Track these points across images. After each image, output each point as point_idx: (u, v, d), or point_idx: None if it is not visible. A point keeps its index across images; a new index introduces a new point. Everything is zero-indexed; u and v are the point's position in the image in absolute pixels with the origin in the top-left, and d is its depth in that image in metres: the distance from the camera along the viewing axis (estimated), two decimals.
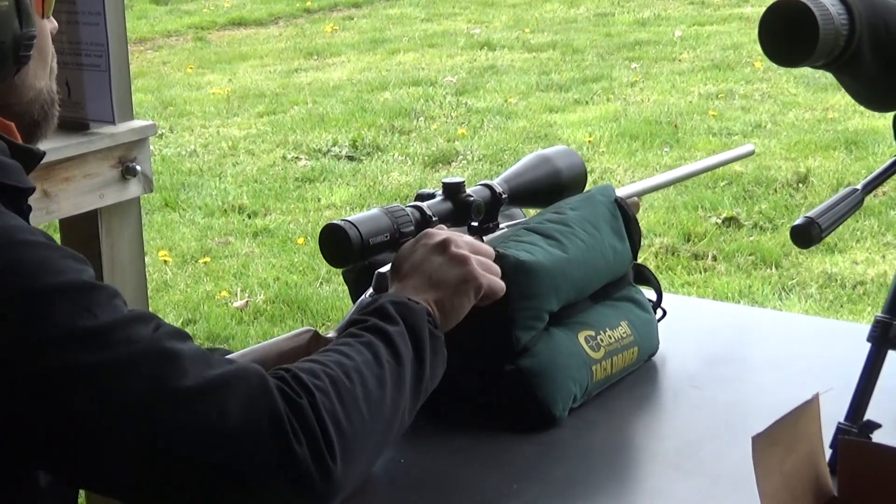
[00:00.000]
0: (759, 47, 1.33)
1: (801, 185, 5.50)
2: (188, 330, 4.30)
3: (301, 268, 4.86)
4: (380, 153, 6.41)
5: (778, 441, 1.13)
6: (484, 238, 1.54)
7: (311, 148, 6.55)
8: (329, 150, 6.47)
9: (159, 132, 6.66)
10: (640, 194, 1.76)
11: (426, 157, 6.26)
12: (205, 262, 4.98)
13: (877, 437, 1.33)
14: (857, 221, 4.91)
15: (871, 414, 1.34)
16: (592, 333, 1.56)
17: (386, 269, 1.42)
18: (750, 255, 4.75)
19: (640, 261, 1.72)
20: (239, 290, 4.69)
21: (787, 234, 1.42)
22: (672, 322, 1.71)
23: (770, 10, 1.30)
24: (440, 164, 6.20)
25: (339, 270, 1.57)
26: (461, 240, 1.39)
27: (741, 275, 4.60)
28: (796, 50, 1.30)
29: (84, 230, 2.77)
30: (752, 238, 4.93)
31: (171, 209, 5.66)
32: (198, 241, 5.22)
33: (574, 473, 1.39)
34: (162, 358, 1.05)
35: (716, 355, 1.71)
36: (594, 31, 9.35)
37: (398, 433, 1.22)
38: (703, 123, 6.61)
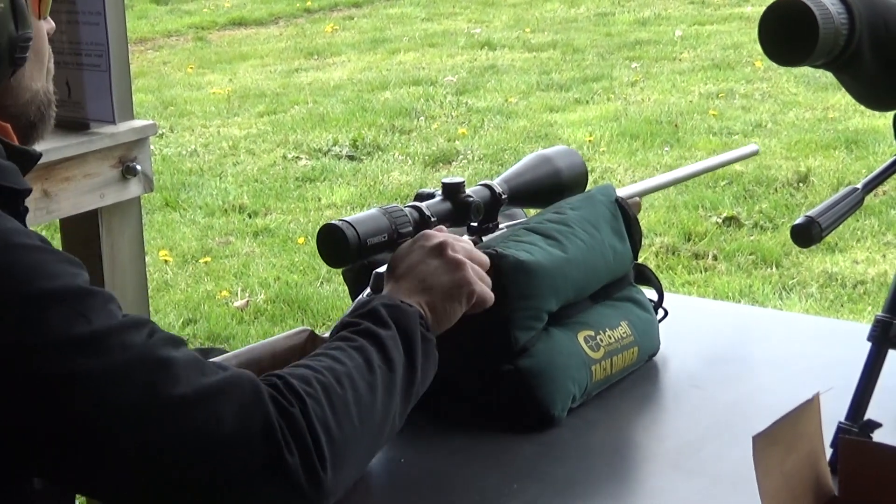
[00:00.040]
0: (759, 47, 1.33)
1: (801, 184, 5.50)
2: (189, 330, 4.32)
3: (301, 267, 4.86)
4: (380, 153, 6.41)
5: (778, 440, 1.13)
6: (483, 238, 1.54)
7: (311, 148, 6.55)
8: (329, 150, 6.47)
9: (160, 132, 6.67)
10: (643, 194, 1.76)
11: (427, 157, 6.26)
12: (205, 262, 4.98)
13: (877, 436, 1.33)
14: (858, 221, 4.91)
15: (871, 413, 1.34)
16: (592, 333, 1.55)
17: (383, 269, 1.42)
18: (750, 254, 4.75)
19: (640, 260, 1.72)
20: (239, 289, 4.69)
21: (788, 233, 1.42)
22: (672, 321, 1.71)
23: (770, 10, 1.30)
24: (441, 164, 6.20)
25: (340, 270, 1.57)
26: (458, 244, 1.38)
27: (742, 274, 4.60)
28: (796, 49, 1.30)
29: (84, 230, 2.77)
30: (752, 237, 4.93)
31: (171, 209, 5.66)
32: (198, 241, 5.22)
33: (574, 473, 1.39)
34: (156, 365, 1.04)
35: (716, 355, 1.71)
36: (594, 31, 9.35)
37: (389, 437, 1.23)
38: (703, 123, 6.61)
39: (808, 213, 1.33)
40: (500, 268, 1.45)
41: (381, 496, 1.38)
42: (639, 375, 1.62)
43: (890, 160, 1.41)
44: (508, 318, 1.46)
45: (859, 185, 1.38)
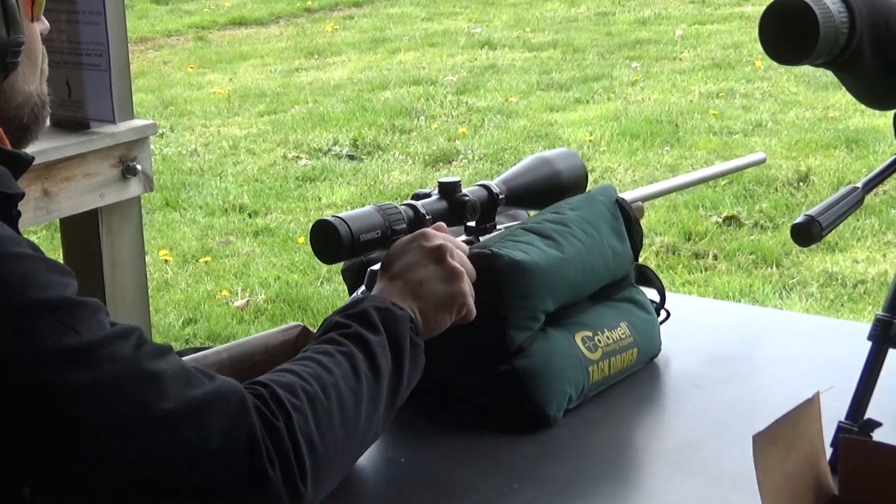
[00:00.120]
0: (759, 46, 1.33)
1: (801, 183, 5.50)
2: (189, 329, 4.32)
3: (302, 267, 4.86)
4: (380, 152, 6.41)
5: (779, 440, 1.13)
6: (481, 238, 1.54)
7: (311, 147, 6.55)
8: (330, 150, 6.47)
9: (160, 131, 6.67)
10: (647, 199, 1.75)
11: (427, 157, 6.26)
12: (205, 262, 4.98)
13: (878, 435, 1.33)
14: (858, 220, 4.90)
15: (871, 412, 1.34)
16: (590, 334, 1.55)
17: (378, 266, 1.42)
18: (751, 253, 4.75)
19: (640, 260, 1.71)
20: (240, 289, 4.69)
21: (788, 232, 1.42)
22: (673, 321, 1.71)
23: (770, 9, 1.30)
24: (441, 164, 6.20)
25: (340, 271, 1.56)
26: (456, 251, 1.38)
27: (742, 274, 4.60)
28: (797, 48, 1.29)
29: (84, 229, 2.78)
30: (752, 237, 4.93)
31: (171, 208, 5.66)
32: (198, 241, 5.22)
33: (574, 473, 1.39)
34: (143, 380, 1.04)
35: (716, 354, 1.71)
36: (595, 31, 9.35)
37: (370, 444, 1.24)
38: (703, 122, 6.61)
39: (809, 213, 1.33)
40: (496, 267, 1.45)
41: (381, 496, 1.38)
42: (639, 375, 1.62)
43: (890, 159, 1.40)
44: (504, 318, 1.46)
45: (859, 185, 1.38)
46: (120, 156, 2.73)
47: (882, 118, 6.00)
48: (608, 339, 1.56)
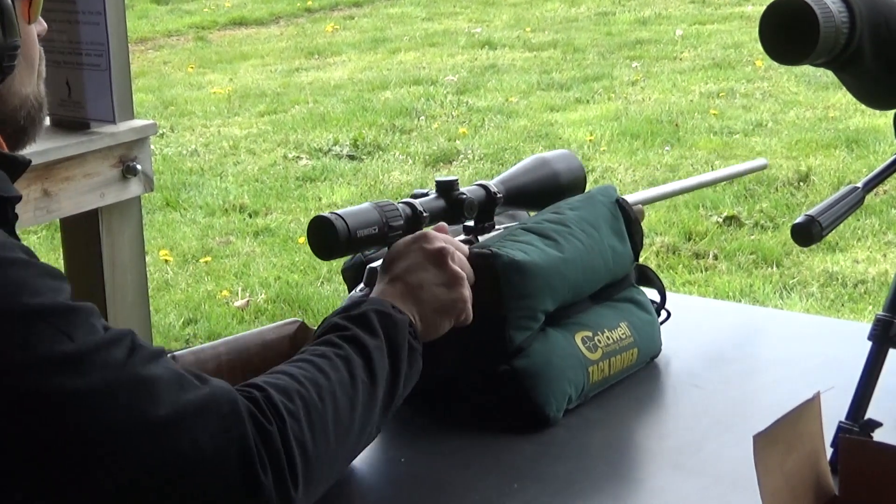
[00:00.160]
0: (759, 46, 1.33)
1: (801, 183, 5.50)
2: (189, 329, 4.32)
3: (302, 267, 4.86)
4: (381, 152, 6.41)
5: (779, 440, 1.13)
6: (479, 238, 1.54)
7: (311, 147, 6.55)
8: (330, 150, 6.47)
9: (160, 132, 6.67)
10: (648, 202, 1.76)
11: (427, 157, 6.26)
12: (206, 262, 4.98)
13: (878, 435, 1.33)
14: (858, 220, 4.91)
15: (872, 412, 1.34)
16: (589, 334, 1.54)
17: (378, 264, 1.42)
18: (751, 253, 4.75)
19: (640, 260, 1.71)
20: (240, 289, 4.69)
21: (788, 232, 1.42)
22: (673, 321, 1.71)
23: (771, 8, 1.30)
24: (441, 164, 6.20)
25: (340, 270, 1.56)
26: (458, 254, 1.38)
27: (742, 274, 4.60)
28: (797, 48, 1.29)
29: (84, 229, 2.78)
30: (753, 237, 4.93)
31: (171, 208, 5.66)
32: (199, 241, 5.22)
33: (574, 473, 1.38)
34: (137, 385, 1.04)
35: (717, 354, 1.71)
36: (595, 30, 9.35)
37: (364, 448, 1.24)
38: (704, 122, 6.61)
39: (809, 212, 1.33)
40: (495, 267, 1.44)
41: (382, 496, 1.38)
42: (639, 375, 1.62)
43: (890, 159, 1.40)
44: (504, 317, 1.46)
45: (860, 184, 1.38)
46: (120, 156, 2.73)
47: (882, 118, 6.00)
48: (608, 339, 1.56)
